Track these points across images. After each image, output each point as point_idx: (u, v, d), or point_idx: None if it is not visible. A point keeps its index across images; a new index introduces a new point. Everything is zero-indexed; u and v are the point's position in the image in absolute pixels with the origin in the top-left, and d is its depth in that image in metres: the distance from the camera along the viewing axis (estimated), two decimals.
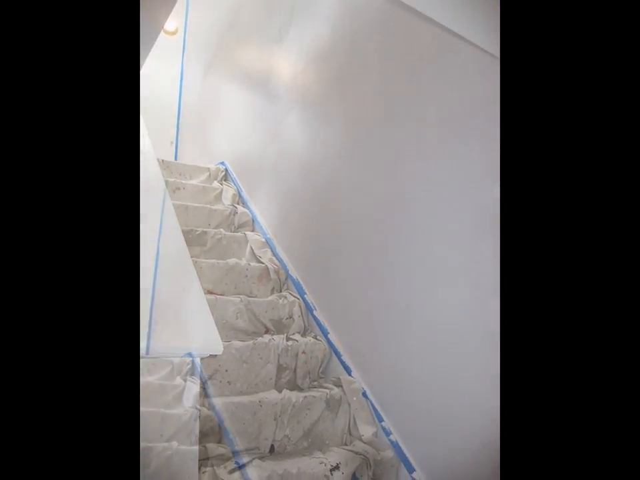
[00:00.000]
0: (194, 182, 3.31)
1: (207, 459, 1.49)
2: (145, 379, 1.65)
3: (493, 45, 1.33)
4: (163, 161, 3.40)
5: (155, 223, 2.12)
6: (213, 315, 2.02)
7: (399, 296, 1.77)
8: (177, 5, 3.38)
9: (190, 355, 1.82)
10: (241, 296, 2.34)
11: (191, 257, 2.54)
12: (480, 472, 1.41)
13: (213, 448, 1.52)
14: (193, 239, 2.74)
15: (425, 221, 1.68)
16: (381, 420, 1.80)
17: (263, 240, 2.81)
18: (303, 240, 2.53)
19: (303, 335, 2.26)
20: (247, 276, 2.53)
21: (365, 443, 1.79)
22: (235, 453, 1.53)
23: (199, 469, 1.46)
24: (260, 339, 2.13)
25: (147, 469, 1.38)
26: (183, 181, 3.23)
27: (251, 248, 2.74)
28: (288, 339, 2.16)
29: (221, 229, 2.82)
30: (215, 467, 1.45)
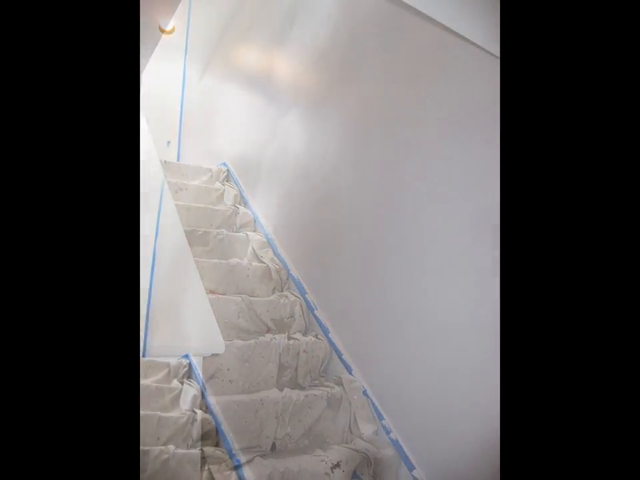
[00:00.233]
0: (196, 183, 3.31)
1: (204, 461, 1.49)
2: (141, 382, 1.65)
3: (493, 44, 1.32)
4: (165, 161, 3.40)
5: (153, 224, 2.13)
6: (214, 314, 2.03)
7: (399, 296, 1.76)
8: (170, 3, 3.39)
9: (187, 357, 1.82)
10: (242, 295, 2.34)
11: (193, 257, 2.54)
12: (479, 468, 1.40)
13: (210, 451, 1.52)
14: (195, 239, 2.74)
15: (425, 221, 1.67)
16: (381, 418, 1.80)
17: (265, 240, 2.80)
18: (303, 240, 2.52)
19: (304, 334, 2.26)
20: (248, 275, 2.52)
21: (365, 441, 1.78)
22: (233, 457, 1.53)
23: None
24: (261, 338, 2.13)
25: (143, 473, 1.38)
26: (185, 182, 3.23)
27: (253, 248, 2.73)
28: (289, 338, 2.16)
29: (223, 229, 2.82)
30: (212, 470, 1.45)
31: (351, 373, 1.99)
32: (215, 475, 1.44)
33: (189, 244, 2.81)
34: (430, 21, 1.55)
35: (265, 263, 2.61)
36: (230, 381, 1.92)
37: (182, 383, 1.74)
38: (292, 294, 2.43)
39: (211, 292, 2.41)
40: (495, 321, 1.24)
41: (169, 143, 4.03)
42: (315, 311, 2.29)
